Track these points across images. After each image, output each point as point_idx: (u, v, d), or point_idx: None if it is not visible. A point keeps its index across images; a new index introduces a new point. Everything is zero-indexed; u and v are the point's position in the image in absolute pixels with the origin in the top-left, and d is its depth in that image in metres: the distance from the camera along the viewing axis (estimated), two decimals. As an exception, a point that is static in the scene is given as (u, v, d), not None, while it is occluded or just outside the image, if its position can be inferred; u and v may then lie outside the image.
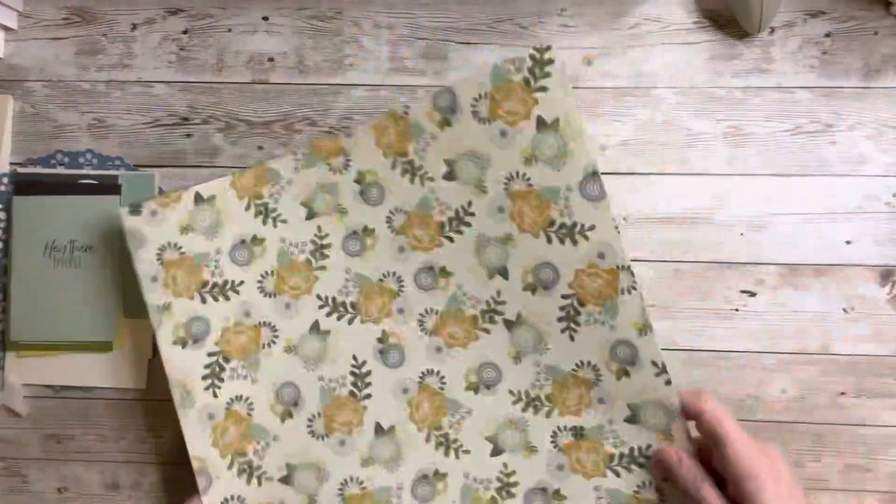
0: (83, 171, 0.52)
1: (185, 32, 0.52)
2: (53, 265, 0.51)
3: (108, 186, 0.51)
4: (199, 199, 0.47)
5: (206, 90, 0.52)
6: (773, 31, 0.50)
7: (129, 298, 0.51)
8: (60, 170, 0.52)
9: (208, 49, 0.52)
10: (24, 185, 0.51)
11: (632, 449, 0.46)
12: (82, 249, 0.51)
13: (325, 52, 0.52)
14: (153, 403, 0.52)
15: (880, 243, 0.50)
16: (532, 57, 0.43)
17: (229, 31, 0.52)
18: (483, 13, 0.51)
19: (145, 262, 0.46)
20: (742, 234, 0.50)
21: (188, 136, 0.52)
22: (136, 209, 0.46)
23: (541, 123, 0.43)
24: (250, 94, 0.52)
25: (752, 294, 0.50)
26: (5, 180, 0.52)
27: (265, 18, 0.52)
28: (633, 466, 0.46)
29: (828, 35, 0.50)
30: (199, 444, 0.46)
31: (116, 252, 0.51)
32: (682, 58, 0.51)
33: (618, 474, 0.46)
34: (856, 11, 0.50)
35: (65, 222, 0.51)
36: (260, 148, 0.51)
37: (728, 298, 0.50)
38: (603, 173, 0.50)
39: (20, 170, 0.52)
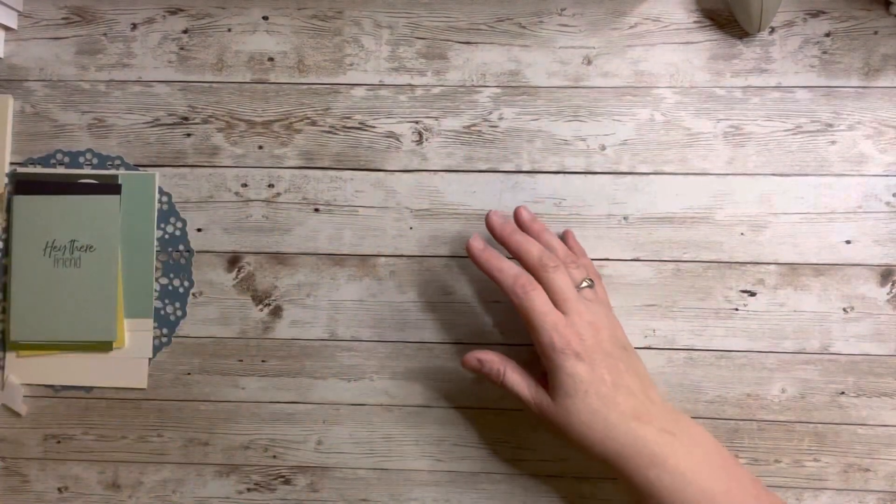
0: (83, 171, 0.51)
1: (185, 32, 0.52)
2: (53, 265, 0.51)
3: (108, 186, 0.51)
4: None
5: (206, 90, 0.52)
6: (773, 30, 0.50)
7: (129, 298, 0.51)
8: (60, 169, 0.52)
9: (208, 49, 0.52)
10: (24, 184, 0.51)
11: None
12: (82, 249, 0.51)
13: (325, 51, 0.52)
14: (153, 403, 0.52)
15: (880, 243, 0.50)
16: None
17: (229, 30, 0.52)
18: (483, 13, 0.51)
19: None
20: (742, 234, 0.50)
21: (188, 135, 0.52)
22: None
23: None
24: (250, 93, 0.52)
25: (752, 294, 0.50)
26: (5, 180, 0.52)
27: (265, 18, 0.52)
28: None
29: (828, 35, 0.50)
30: None
31: (116, 252, 0.51)
32: (682, 57, 0.51)
33: None
34: (856, 11, 0.50)
35: (65, 222, 0.51)
36: (260, 147, 0.51)
37: (728, 298, 0.50)
38: (603, 173, 0.50)
39: (20, 170, 0.52)
